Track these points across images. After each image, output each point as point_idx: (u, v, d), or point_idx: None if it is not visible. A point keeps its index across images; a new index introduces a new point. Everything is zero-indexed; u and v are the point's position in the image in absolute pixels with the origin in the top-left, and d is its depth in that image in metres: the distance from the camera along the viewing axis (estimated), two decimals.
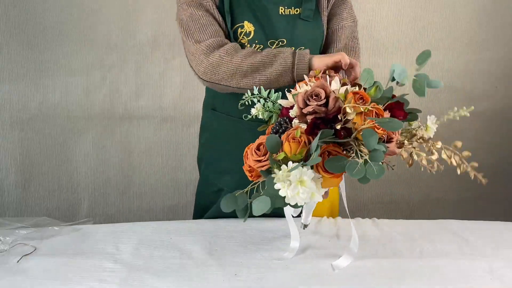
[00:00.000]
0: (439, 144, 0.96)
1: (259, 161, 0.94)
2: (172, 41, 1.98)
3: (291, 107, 1.00)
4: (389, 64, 2.24)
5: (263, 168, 0.94)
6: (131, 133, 2.06)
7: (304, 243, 1.22)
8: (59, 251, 1.17)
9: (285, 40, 1.24)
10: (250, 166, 0.98)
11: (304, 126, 0.95)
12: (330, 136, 0.90)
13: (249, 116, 1.07)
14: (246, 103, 1.07)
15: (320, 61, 1.11)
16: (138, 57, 2.00)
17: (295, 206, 0.91)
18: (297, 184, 0.86)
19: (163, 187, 2.11)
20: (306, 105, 0.93)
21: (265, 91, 1.06)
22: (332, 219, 1.37)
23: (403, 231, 1.29)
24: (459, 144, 0.96)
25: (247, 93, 1.07)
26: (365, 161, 0.87)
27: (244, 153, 1.00)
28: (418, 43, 2.09)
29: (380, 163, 0.86)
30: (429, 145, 0.97)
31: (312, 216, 1.39)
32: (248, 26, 1.23)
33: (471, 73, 2.13)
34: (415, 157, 0.98)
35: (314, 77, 1.05)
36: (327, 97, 0.92)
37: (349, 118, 0.90)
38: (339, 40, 1.30)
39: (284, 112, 1.02)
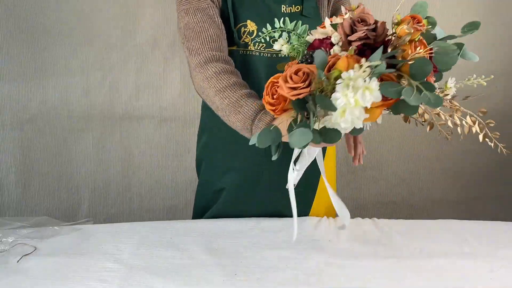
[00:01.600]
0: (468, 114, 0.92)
1: (295, 88, 0.84)
2: (172, 41, 1.98)
3: (327, 38, 0.92)
4: None
5: (300, 96, 0.84)
6: (131, 133, 2.06)
7: (304, 243, 1.22)
8: (59, 251, 1.17)
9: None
10: (275, 98, 0.89)
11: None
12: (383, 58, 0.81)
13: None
14: (263, 39, 1.03)
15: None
16: (138, 57, 1.99)
17: (329, 138, 0.83)
18: (364, 91, 0.78)
19: (163, 187, 2.11)
20: (353, 32, 0.85)
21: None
22: (332, 219, 1.37)
23: (403, 231, 1.29)
24: (484, 110, 0.93)
25: (267, 28, 1.00)
26: (418, 90, 0.79)
27: (268, 84, 0.92)
28: None
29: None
30: (454, 108, 0.93)
31: (311, 216, 1.39)
32: (251, 25, 1.23)
33: (471, 73, 2.13)
34: (443, 117, 0.93)
35: (350, 11, 0.95)
36: (376, 23, 0.85)
37: (403, 42, 0.82)
38: None
39: (316, 44, 0.93)
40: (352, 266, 1.11)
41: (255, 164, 1.32)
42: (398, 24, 0.87)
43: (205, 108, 1.44)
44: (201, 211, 1.46)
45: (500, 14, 2.09)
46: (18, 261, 1.12)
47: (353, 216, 1.32)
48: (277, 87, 0.89)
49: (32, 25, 1.92)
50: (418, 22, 0.87)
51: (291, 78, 0.86)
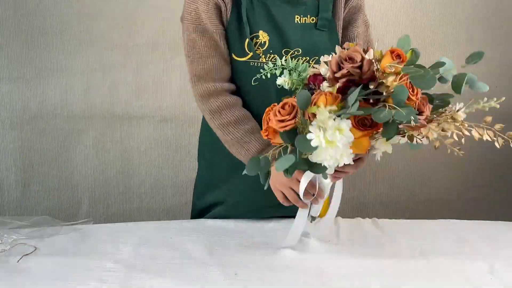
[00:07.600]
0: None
1: (282, 121, 0.90)
2: (172, 41, 1.98)
3: (319, 74, 0.97)
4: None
5: (286, 129, 0.90)
6: (131, 133, 2.06)
7: (304, 243, 1.22)
8: (59, 251, 1.17)
9: (300, 50, 1.22)
10: (267, 128, 0.95)
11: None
12: (362, 96, 0.87)
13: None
14: (264, 76, 1.11)
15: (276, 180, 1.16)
16: (138, 57, 1.99)
17: (318, 169, 0.88)
18: (334, 132, 0.82)
19: (163, 187, 2.11)
20: (339, 69, 0.90)
21: None
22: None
23: (403, 231, 1.29)
24: (489, 119, 0.98)
25: (268, 65, 1.09)
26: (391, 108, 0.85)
27: (265, 115, 0.97)
28: (418, 43, 2.09)
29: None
30: (459, 124, 0.98)
31: None
32: (263, 36, 1.21)
33: (471, 73, 2.13)
34: (449, 130, 0.99)
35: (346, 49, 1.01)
36: (362, 60, 0.89)
37: (385, 80, 0.87)
38: None
39: (311, 79, 0.99)
40: (353, 266, 1.11)
41: None
42: (379, 60, 0.92)
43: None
44: (199, 211, 1.46)
45: (499, 14, 2.09)
46: (18, 261, 1.12)
47: (353, 216, 1.32)
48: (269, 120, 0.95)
49: (32, 25, 1.92)
50: (398, 56, 0.92)
51: (279, 112, 0.92)
